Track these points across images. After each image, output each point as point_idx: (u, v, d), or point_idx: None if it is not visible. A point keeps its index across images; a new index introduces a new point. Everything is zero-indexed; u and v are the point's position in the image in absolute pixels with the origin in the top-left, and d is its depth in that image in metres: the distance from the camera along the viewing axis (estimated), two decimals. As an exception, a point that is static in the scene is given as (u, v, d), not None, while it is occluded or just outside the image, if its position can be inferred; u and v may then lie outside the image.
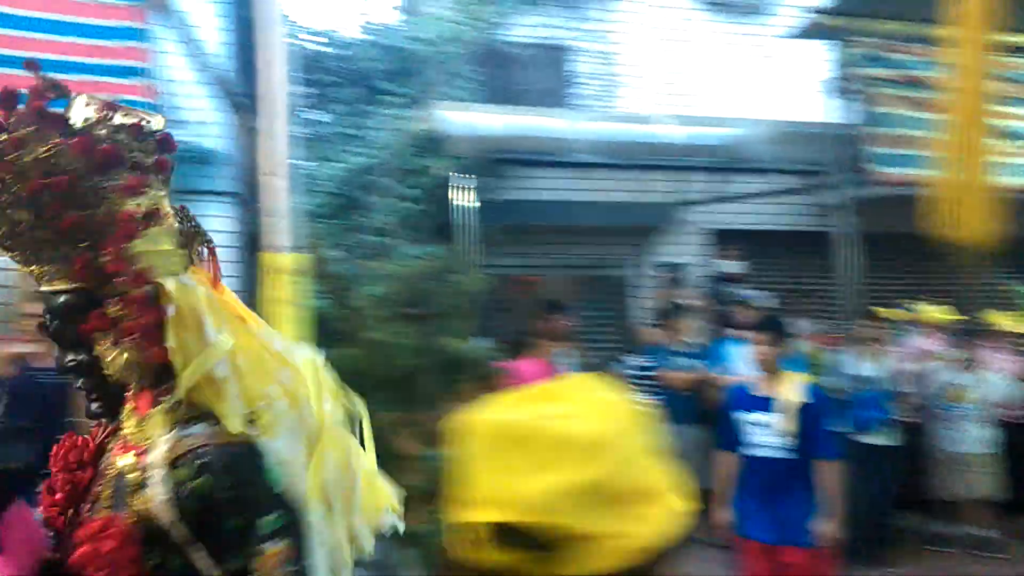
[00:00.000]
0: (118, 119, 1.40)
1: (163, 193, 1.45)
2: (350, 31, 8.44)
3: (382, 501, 1.70)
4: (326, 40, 8.27)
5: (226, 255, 7.11)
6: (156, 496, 1.32)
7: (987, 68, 4.80)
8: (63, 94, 1.40)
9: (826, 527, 3.96)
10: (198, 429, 1.37)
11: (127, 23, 3.96)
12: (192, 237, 1.49)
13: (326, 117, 7.79)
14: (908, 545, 6.29)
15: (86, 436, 1.54)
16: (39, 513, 1.48)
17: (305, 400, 1.52)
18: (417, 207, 7.08)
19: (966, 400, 6.38)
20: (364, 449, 1.69)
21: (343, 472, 1.57)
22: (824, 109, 7.68)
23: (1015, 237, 5.13)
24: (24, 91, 1.36)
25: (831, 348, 6.47)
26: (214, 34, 5.87)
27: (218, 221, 6.42)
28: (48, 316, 1.41)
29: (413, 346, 5.10)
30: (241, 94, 4.88)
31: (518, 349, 5.82)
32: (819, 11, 6.49)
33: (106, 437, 1.52)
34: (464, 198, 6.49)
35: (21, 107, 1.35)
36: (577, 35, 9.02)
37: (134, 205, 1.37)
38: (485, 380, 5.01)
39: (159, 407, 1.41)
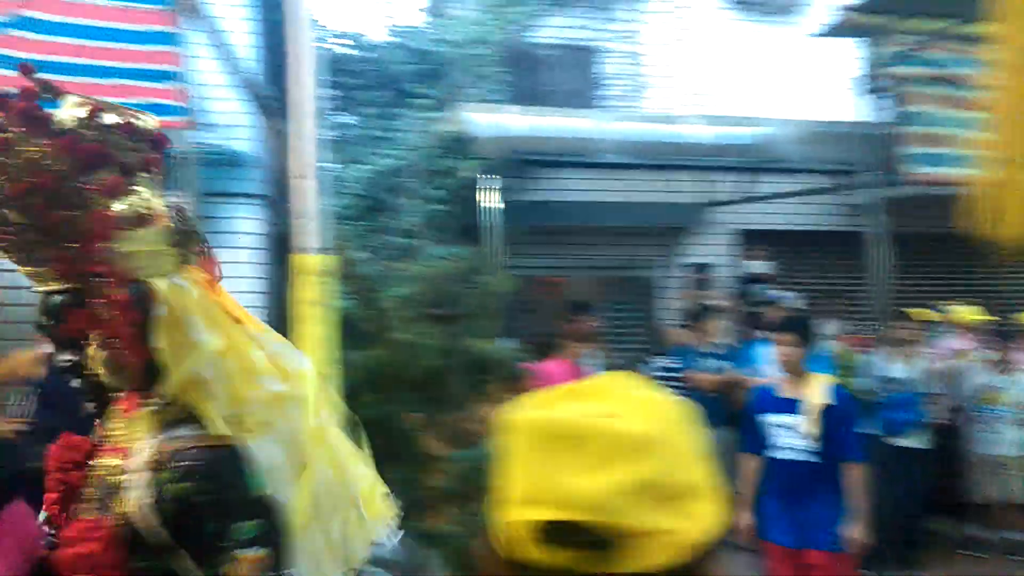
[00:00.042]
0: (107, 119, 1.40)
1: (156, 192, 1.44)
2: (377, 34, 8.50)
3: (378, 512, 1.68)
4: (352, 43, 8.33)
5: (255, 256, 7.17)
6: (138, 499, 1.31)
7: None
8: (56, 95, 1.40)
9: (853, 531, 3.90)
10: (183, 432, 1.36)
11: (159, 28, 4.01)
12: (189, 237, 1.48)
13: (353, 120, 7.84)
14: (941, 549, 6.20)
15: (85, 436, 1.53)
16: (45, 512, 1.48)
17: (294, 407, 1.50)
18: (443, 208, 7.11)
19: (1000, 402, 6.27)
20: (361, 459, 1.67)
21: (335, 483, 1.54)
22: (855, 108, 7.59)
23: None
24: (13, 91, 1.36)
25: (862, 349, 6.39)
26: (243, 38, 5.93)
27: (247, 223, 6.55)
28: (43, 316, 1.41)
29: (439, 347, 5.12)
30: (270, 97, 4.93)
31: (544, 350, 5.82)
32: (850, 8, 6.41)
33: (100, 438, 1.52)
34: (491, 199, 6.50)
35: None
36: (604, 35, 8.99)
37: (120, 205, 1.36)
38: (511, 381, 5.02)
39: (145, 409, 1.40)
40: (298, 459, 1.49)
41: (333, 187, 4.66)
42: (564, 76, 8.75)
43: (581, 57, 9.03)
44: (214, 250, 1.55)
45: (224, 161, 6.10)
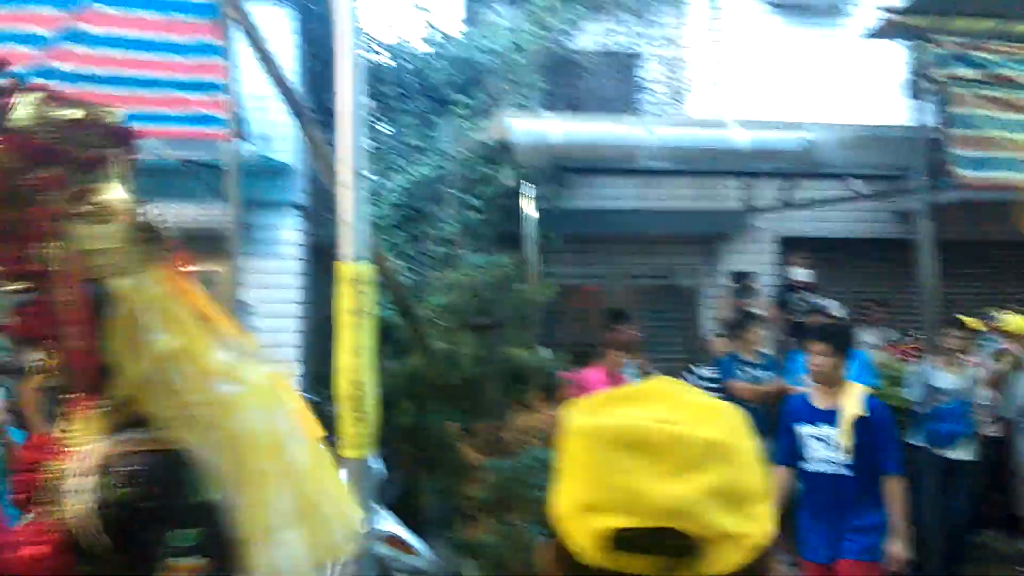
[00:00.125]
0: (62, 114, 1.37)
1: (118, 189, 1.40)
2: (415, 43, 8.57)
3: (346, 517, 1.63)
4: (391, 53, 8.41)
5: (295, 265, 7.24)
6: (81, 504, 1.29)
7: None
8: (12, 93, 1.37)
9: (894, 547, 3.78)
10: (130, 436, 1.33)
11: (206, 39, 4.08)
12: (153, 235, 1.43)
13: (392, 129, 7.91)
14: (989, 563, 6.03)
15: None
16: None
17: (246, 411, 1.45)
18: (482, 217, 7.12)
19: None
20: (333, 472, 1.63)
21: (294, 495, 1.49)
22: (901, 112, 7.44)
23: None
24: None
25: (908, 359, 6.25)
26: (285, 49, 6.01)
27: (288, 232, 6.64)
28: (7, 317, 1.39)
29: (477, 356, 5.12)
30: (313, 107, 5.00)
31: (583, 359, 5.79)
32: (895, 10, 6.29)
33: (57, 440, 1.48)
34: (529, 207, 6.50)
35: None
36: (644, 41, 8.95)
37: (69, 201, 1.33)
38: (549, 390, 5.00)
39: (95, 411, 1.37)
40: (246, 465, 1.43)
41: (372, 196, 4.70)
42: (603, 83, 8.73)
43: (620, 63, 9.00)
44: (180, 247, 1.49)
45: (266, 171, 6.20)
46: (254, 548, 1.42)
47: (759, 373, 6.11)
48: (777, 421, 4.22)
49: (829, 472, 3.85)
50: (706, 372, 6.35)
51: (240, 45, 4.14)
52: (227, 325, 1.54)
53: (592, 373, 5.55)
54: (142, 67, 4.01)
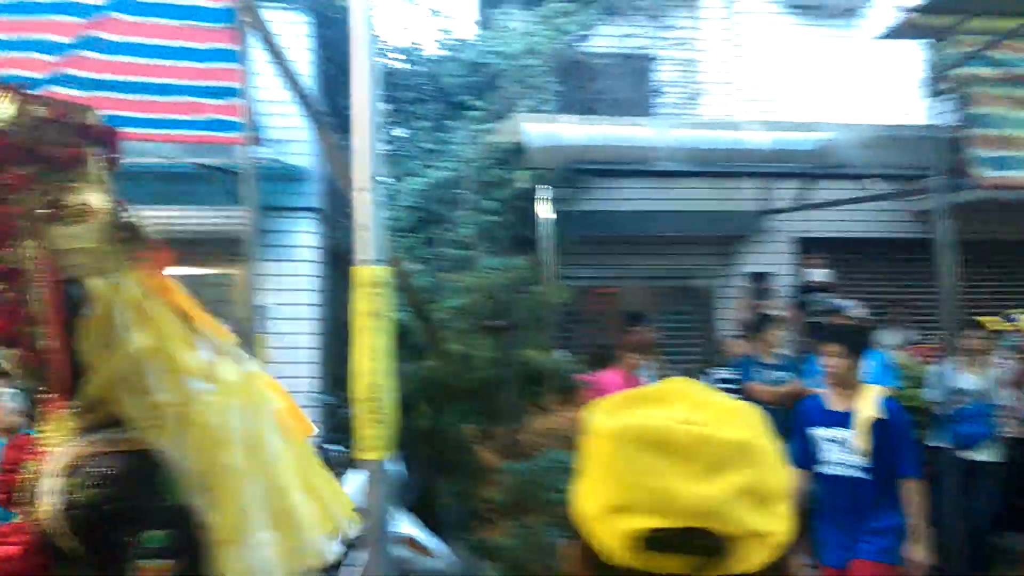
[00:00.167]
0: (37, 114, 1.36)
1: (96, 189, 1.38)
2: (430, 47, 8.60)
3: (333, 513, 1.61)
4: (406, 57, 8.44)
5: (312, 268, 7.28)
6: (51, 505, 1.28)
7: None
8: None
9: (914, 551, 3.72)
10: (101, 436, 1.32)
11: (222, 45, 4.11)
12: (132, 234, 1.42)
13: (407, 132, 7.94)
14: (1013, 566, 5.96)
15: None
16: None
17: (219, 410, 1.43)
18: (497, 219, 7.13)
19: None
20: (319, 474, 1.60)
21: (270, 498, 1.46)
22: (919, 111, 7.38)
23: None
24: None
25: (930, 360, 6.19)
26: (301, 54, 6.05)
27: (305, 236, 6.67)
28: None
29: (493, 358, 5.12)
30: (329, 112, 5.02)
31: (600, 361, 5.78)
32: (912, 9, 6.24)
33: (33, 440, 1.48)
34: (545, 210, 6.50)
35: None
36: (658, 43, 8.93)
37: (43, 201, 1.31)
38: (566, 392, 5.00)
39: (67, 411, 1.36)
40: (220, 464, 1.42)
41: (388, 200, 4.72)
42: (618, 85, 8.71)
43: (635, 65, 8.98)
44: (163, 246, 1.48)
45: (282, 176, 6.23)
46: (226, 550, 1.40)
47: (777, 375, 6.08)
48: (791, 424, 4.18)
49: (845, 475, 3.80)
50: (723, 374, 6.32)
51: (256, 51, 4.17)
52: (209, 325, 1.53)
53: (608, 375, 5.54)
54: (159, 73, 4.05)
